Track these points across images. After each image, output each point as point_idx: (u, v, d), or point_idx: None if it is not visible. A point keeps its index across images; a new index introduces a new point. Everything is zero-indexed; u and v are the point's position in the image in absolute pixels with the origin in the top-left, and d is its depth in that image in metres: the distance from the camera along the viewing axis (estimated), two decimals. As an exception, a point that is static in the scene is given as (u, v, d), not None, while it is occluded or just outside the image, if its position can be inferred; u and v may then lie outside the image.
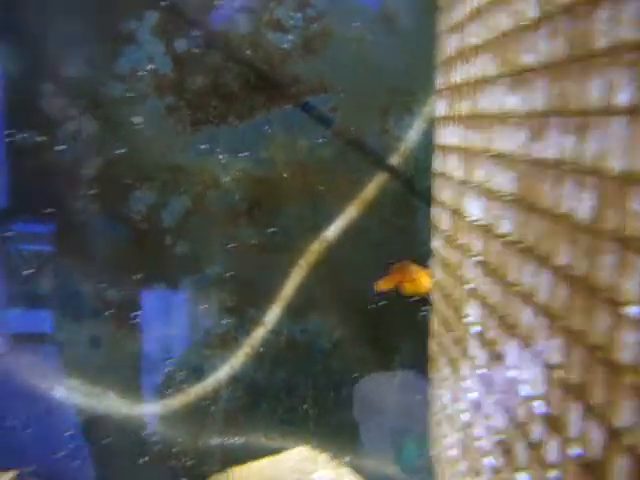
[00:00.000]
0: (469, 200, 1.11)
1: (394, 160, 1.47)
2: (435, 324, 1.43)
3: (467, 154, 1.12)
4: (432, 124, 1.43)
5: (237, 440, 1.43)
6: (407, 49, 1.43)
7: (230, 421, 1.44)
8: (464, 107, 1.17)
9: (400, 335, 1.47)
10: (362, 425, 1.43)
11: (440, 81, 1.40)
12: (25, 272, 1.40)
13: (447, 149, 1.36)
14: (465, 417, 1.07)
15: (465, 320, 1.11)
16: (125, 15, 1.39)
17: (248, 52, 1.40)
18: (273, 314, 1.45)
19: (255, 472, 1.23)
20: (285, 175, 1.43)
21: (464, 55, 1.18)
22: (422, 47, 1.39)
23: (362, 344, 1.47)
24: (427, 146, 1.42)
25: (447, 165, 1.34)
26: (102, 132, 1.40)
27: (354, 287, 1.46)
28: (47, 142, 1.38)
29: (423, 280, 1.16)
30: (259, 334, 1.44)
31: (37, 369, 1.41)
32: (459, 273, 1.19)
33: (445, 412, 1.28)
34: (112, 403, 1.43)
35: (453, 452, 1.17)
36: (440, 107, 1.42)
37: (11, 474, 1.23)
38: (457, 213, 1.22)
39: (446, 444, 1.26)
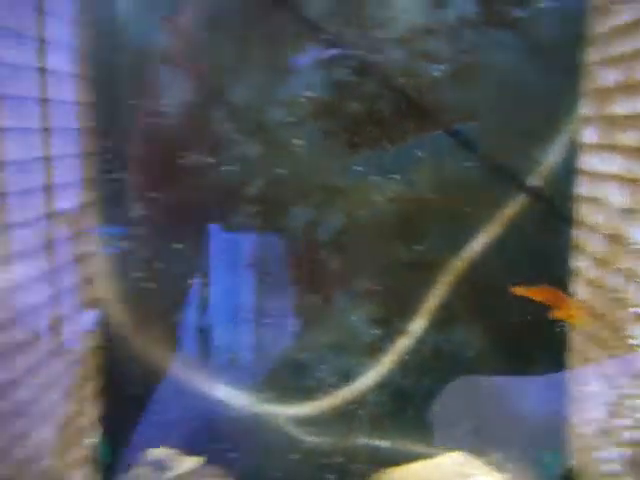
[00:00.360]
0: (636, 228, 1.17)
1: (535, 182, 1.54)
2: (578, 340, 1.50)
3: (634, 184, 1.19)
4: (574, 149, 1.50)
5: (383, 443, 1.53)
6: (552, 78, 1.50)
7: (376, 424, 1.55)
8: (627, 139, 1.24)
9: (538, 348, 1.54)
10: (503, 434, 1.50)
11: (589, 110, 1.47)
12: (191, 281, 1.54)
13: (598, 176, 1.42)
14: (634, 434, 1.13)
15: (632, 342, 1.17)
16: (288, 47, 1.51)
17: (401, 80, 1.50)
18: (418, 325, 1.54)
19: (413, 474, 1.32)
20: (432, 196, 1.53)
21: (629, 89, 1.24)
22: (566, 76, 1.46)
23: (502, 355, 1.55)
24: (568, 170, 1.49)
25: (599, 191, 1.40)
26: (265, 154, 1.52)
27: (494, 301, 1.54)
28: (215, 163, 1.51)
29: (581, 317, 1.22)
30: (405, 343, 1.54)
31: (200, 369, 1.55)
32: (619, 296, 1.25)
33: (595, 426, 1.35)
34: (268, 403, 1.55)
35: (612, 466, 1.23)
36: (588, 135, 1.49)
37: (197, 460, 1.36)
38: (615, 238, 1.29)
39: (598, 457, 1.32)
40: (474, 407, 1.57)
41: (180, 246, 1.52)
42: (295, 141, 1.52)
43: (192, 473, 1.35)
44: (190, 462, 1.36)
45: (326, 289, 1.55)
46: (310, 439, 1.56)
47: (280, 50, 1.52)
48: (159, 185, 1.53)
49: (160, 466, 1.35)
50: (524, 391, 1.59)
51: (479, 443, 1.52)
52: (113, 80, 1.51)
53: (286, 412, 1.56)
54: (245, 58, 1.52)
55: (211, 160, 1.52)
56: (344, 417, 1.56)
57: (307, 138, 1.53)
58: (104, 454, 1.47)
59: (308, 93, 1.52)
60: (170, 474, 1.34)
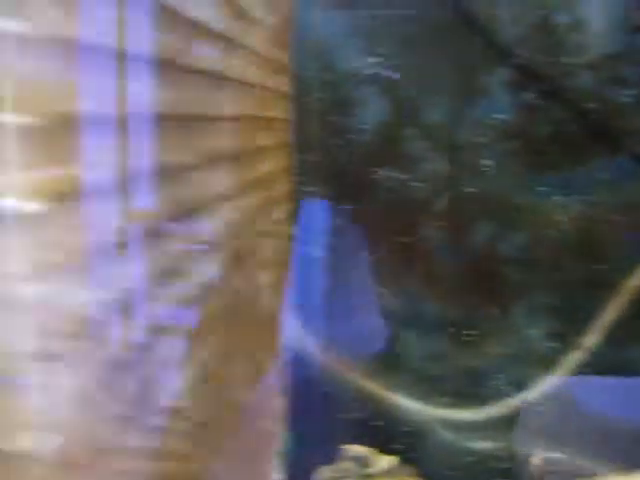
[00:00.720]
0: None
1: None
2: None
3: None
4: None
5: (554, 453, 1.60)
6: None
7: (546, 434, 1.62)
8: None
9: None
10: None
11: None
12: (378, 290, 1.64)
13: None
14: None
15: None
16: (479, 70, 1.58)
17: (588, 105, 1.55)
18: (592, 341, 1.60)
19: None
20: (612, 217, 1.58)
21: None
22: None
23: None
24: None
25: None
26: (453, 173, 1.60)
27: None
28: (406, 179, 1.61)
29: None
30: (578, 357, 1.60)
31: (380, 374, 1.65)
32: None
33: None
34: (443, 409, 1.64)
35: None
36: None
37: (392, 458, 1.47)
38: None
39: None
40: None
41: (369, 256, 1.62)
42: (482, 161, 1.60)
43: (389, 471, 1.46)
44: (387, 461, 1.47)
45: (505, 302, 1.63)
46: (482, 444, 1.65)
47: (472, 74, 1.59)
48: (353, 198, 1.63)
49: (361, 462, 1.46)
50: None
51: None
52: (313, 98, 1.61)
53: (460, 417, 1.65)
54: (438, 81, 1.60)
55: (402, 176, 1.61)
56: (515, 425, 1.64)
57: (494, 158, 1.60)
58: (290, 448, 1.59)
59: (497, 115, 1.59)
60: (370, 470, 1.45)
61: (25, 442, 0.40)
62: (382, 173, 1.61)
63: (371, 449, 1.51)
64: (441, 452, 1.67)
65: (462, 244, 1.63)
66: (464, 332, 1.64)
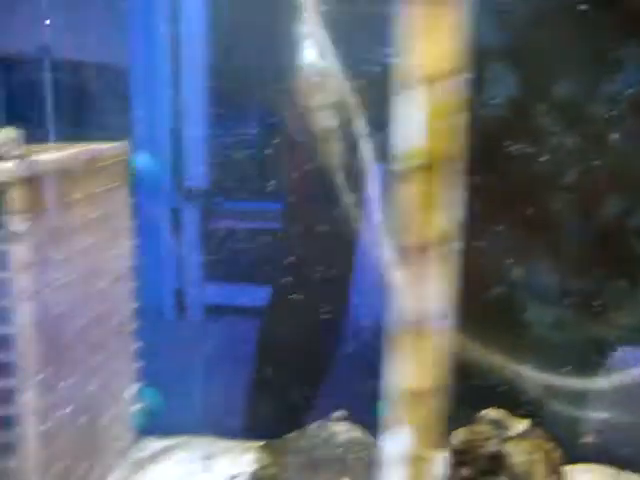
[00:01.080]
0: None
1: None
2: None
3: None
4: None
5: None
6: None
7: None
8: None
9: None
10: None
11: None
12: (507, 262, 1.69)
13: None
14: None
15: None
16: (613, 45, 1.60)
17: None
18: None
19: None
20: None
21: None
22: None
23: None
24: None
25: None
26: (582, 146, 1.62)
27: None
28: (536, 153, 1.64)
29: None
30: None
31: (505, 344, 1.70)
32: None
33: None
34: (566, 377, 1.68)
35: None
36: None
37: (526, 422, 1.52)
38: None
39: None
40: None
41: (499, 229, 1.66)
42: (613, 135, 1.62)
43: (525, 434, 1.51)
44: (522, 424, 1.52)
45: (634, 275, 1.66)
46: (604, 414, 1.69)
47: (605, 48, 1.61)
48: (483, 172, 1.67)
49: (498, 425, 1.51)
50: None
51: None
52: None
53: (584, 385, 1.69)
54: (570, 56, 1.62)
55: (531, 150, 1.64)
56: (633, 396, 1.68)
57: (624, 133, 1.62)
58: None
59: (630, 90, 1.60)
60: (508, 433, 1.51)
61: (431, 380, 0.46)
62: (512, 147, 1.64)
63: (506, 413, 1.56)
64: (563, 419, 1.71)
65: (592, 217, 1.66)
66: (592, 303, 1.68)
